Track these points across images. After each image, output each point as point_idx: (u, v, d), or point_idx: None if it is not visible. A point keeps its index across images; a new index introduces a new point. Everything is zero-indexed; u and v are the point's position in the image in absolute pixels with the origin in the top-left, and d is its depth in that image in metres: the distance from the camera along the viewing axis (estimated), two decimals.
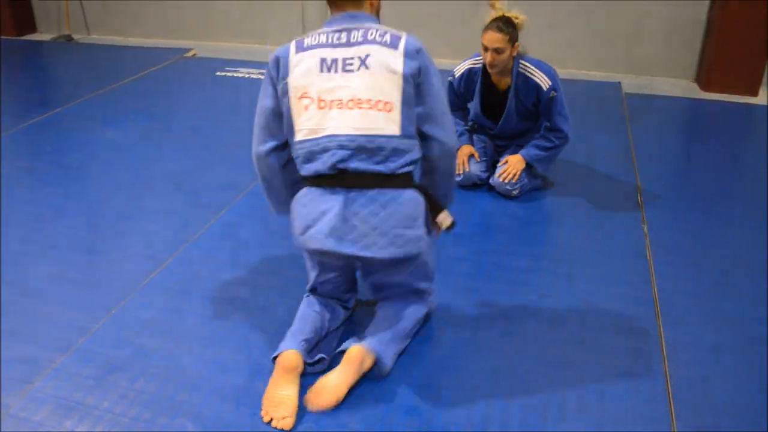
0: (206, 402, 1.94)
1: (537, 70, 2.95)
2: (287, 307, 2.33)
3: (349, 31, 1.96)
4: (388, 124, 1.90)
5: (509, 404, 1.92)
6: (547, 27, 4.99)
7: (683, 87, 4.70)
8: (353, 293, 2.28)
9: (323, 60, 1.94)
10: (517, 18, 2.93)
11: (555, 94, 2.93)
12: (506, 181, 3.01)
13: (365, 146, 1.89)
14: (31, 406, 1.94)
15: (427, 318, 2.24)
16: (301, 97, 1.94)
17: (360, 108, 1.90)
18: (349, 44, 1.94)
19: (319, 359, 2.03)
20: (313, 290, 2.22)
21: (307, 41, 1.98)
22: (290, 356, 1.94)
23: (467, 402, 1.93)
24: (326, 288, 2.19)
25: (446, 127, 2.02)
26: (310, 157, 1.94)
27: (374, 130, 1.90)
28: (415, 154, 1.98)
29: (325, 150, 1.91)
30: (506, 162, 3.07)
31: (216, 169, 3.44)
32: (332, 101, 1.92)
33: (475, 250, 2.70)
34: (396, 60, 1.91)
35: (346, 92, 1.91)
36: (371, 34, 1.94)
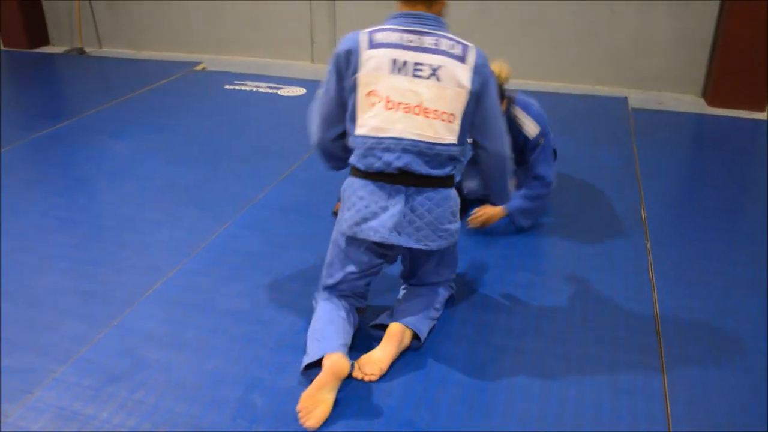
0: (204, 413, 1.95)
1: (527, 118, 2.85)
2: (288, 321, 2.35)
3: (421, 34, 2.04)
4: (448, 133, 2.06)
5: (507, 420, 1.91)
6: (552, 42, 5.02)
7: (690, 102, 4.70)
8: (365, 299, 2.33)
9: (395, 61, 2.03)
10: (500, 74, 2.65)
11: (542, 140, 2.86)
12: (471, 228, 2.88)
13: (425, 152, 2.04)
14: (30, 416, 1.95)
15: (450, 300, 2.41)
16: (370, 94, 2.04)
17: (426, 117, 2.03)
18: (420, 49, 2.03)
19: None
20: (329, 288, 2.24)
21: (379, 37, 2.05)
22: (341, 361, 1.96)
23: (465, 417, 1.93)
24: (343, 287, 2.23)
25: (495, 138, 2.18)
26: (370, 154, 2.06)
27: (436, 138, 2.04)
28: (464, 158, 2.19)
29: (388, 150, 2.03)
30: (481, 211, 2.89)
31: (221, 182, 3.46)
32: (400, 103, 2.02)
33: (476, 263, 2.70)
34: (465, 75, 2.04)
35: (415, 98, 2.02)
36: (443, 45, 2.05)
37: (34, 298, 2.53)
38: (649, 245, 2.82)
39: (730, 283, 2.56)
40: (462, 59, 2.04)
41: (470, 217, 2.88)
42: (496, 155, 2.21)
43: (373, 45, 2.04)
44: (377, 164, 2.04)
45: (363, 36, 2.05)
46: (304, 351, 2.11)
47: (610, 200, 3.21)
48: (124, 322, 2.38)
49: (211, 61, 5.83)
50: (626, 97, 4.72)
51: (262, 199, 3.26)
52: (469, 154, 2.95)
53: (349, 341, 2.13)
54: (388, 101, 2.02)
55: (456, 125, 2.06)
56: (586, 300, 2.46)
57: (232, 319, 2.38)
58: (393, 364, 2.12)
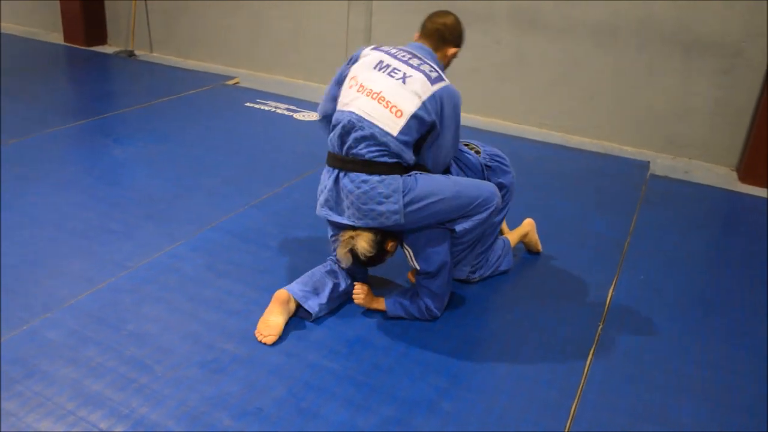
0: None
1: None
2: (187, 352, 2.29)
3: (414, 56, 2.44)
4: (394, 125, 2.32)
5: None
6: (584, 96, 4.80)
7: (720, 175, 4.35)
8: (363, 271, 2.68)
9: (381, 61, 2.43)
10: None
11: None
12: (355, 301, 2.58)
13: (363, 129, 2.32)
14: None
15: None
16: (352, 79, 2.44)
17: (379, 102, 2.34)
18: (405, 62, 2.41)
19: (307, 309, 2.48)
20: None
21: (383, 47, 2.50)
22: (282, 292, 2.47)
23: None
24: (332, 252, 2.59)
25: (437, 166, 2.49)
26: (333, 126, 2.43)
27: (377, 121, 2.32)
28: (404, 160, 2.36)
29: (339, 122, 2.38)
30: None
31: (193, 200, 3.46)
32: (365, 89, 2.37)
33: (398, 351, 2.55)
34: (426, 90, 2.34)
35: (378, 87, 2.36)
36: (425, 68, 2.40)
37: None
38: (600, 329, 2.59)
39: (671, 384, 2.30)
40: (432, 81, 2.36)
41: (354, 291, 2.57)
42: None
43: (374, 48, 2.50)
44: (331, 139, 2.42)
45: (371, 46, 2.53)
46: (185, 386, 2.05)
47: (580, 273, 2.98)
48: (33, 329, 2.38)
49: (248, 77, 5.92)
50: (648, 162, 4.43)
51: (223, 222, 3.23)
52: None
53: (311, 286, 2.53)
54: (361, 86, 2.39)
55: (401, 122, 2.31)
56: (505, 382, 2.27)
57: (136, 342, 2.34)
58: None
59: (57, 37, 6.84)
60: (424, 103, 2.31)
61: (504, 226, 3.00)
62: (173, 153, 4.09)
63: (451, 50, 2.58)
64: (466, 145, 2.80)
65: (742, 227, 3.61)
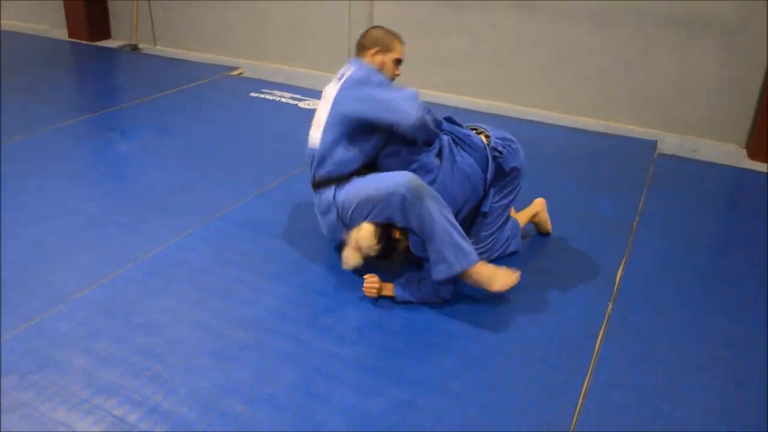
0: (76, 421, 1.93)
1: None
2: (196, 341, 2.31)
3: (342, 72, 2.67)
4: (316, 135, 2.63)
5: None
6: (586, 76, 4.76)
7: (729, 153, 4.32)
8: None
9: (323, 92, 2.73)
10: None
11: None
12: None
13: (312, 154, 2.65)
14: None
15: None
16: None
17: (317, 127, 2.66)
18: (335, 81, 2.67)
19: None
20: None
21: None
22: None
23: None
24: None
25: (393, 110, 2.51)
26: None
27: (312, 141, 2.66)
28: (340, 166, 2.59)
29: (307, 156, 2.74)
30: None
31: (199, 191, 3.47)
32: (313, 122, 2.71)
33: (407, 334, 2.55)
34: (334, 89, 2.61)
35: (316, 115, 2.69)
36: (343, 73, 2.65)
37: None
38: (610, 309, 2.58)
39: (681, 362, 2.30)
40: (340, 78, 2.63)
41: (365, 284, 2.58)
42: (404, 124, 2.50)
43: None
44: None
45: None
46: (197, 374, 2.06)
47: (589, 254, 2.97)
48: (44, 321, 2.40)
49: (251, 67, 5.91)
50: (656, 141, 4.40)
51: (230, 212, 3.24)
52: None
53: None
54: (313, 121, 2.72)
55: (321, 127, 2.60)
56: (512, 362, 2.28)
57: (146, 332, 2.36)
58: None
59: (62, 34, 6.85)
60: (335, 100, 2.57)
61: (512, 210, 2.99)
62: (179, 145, 4.10)
63: (371, 51, 2.70)
64: (474, 129, 2.79)
65: (752, 204, 3.59)
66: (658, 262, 2.94)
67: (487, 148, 2.69)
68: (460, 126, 2.79)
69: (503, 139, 2.76)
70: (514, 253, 2.90)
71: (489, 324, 2.47)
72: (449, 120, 2.79)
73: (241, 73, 5.73)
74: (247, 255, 2.87)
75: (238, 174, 3.67)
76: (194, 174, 3.67)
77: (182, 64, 5.97)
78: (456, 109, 4.86)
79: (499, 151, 2.70)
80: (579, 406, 2.08)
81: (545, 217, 3.08)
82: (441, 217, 2.42)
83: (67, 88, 5.39)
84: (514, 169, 2.73)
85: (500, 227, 2.79)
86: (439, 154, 2.63)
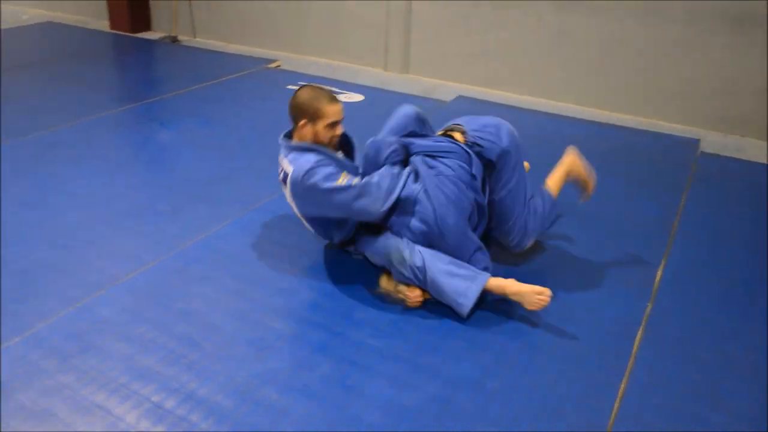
0: (113, 408, 1.97)
1: None
2: (233, 329, 2.34)
3: (282, 166, 2.65)
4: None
5: None
6: (629, 73, 4.68)
7: None
8: None
9: None
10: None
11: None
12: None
13: None
14: None
15: None
16: None
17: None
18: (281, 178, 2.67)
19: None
20: None
21: None
22: None
23: None
24: None
25: (355, 212, 2.51)
26: None
27: None
28: (318, 228, 2.73)
29: None
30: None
31: (238, 181, 3.51)
32: None
33: (443, 330, 2.54)
34: (283, 188, 2.63)
35: None
36: (283, 170, 2.62)
37: (14, 266, 2.68)
38: (649, 309, 2.54)
39: (721, 366, 2.25)
40: (283, 178, 2.60)
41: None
42: (375, 218, 2.54)
43: None
44: None
45: None
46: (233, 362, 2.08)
47: (628, 252, 2.92)
48: (86, 306, 2.45)
49: (289, 59, 5.95)
50: (698, 140, 4.30)
51: (268, 202, 3.26)
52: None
53: None
54: None
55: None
56: (546, 357, 2.26)
57: (185, 320, 2.39)
58: None
59: (104, 25, 6.98)
60: (292, 203, 2.62)
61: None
62: (218, 135, 4.14)
63: (300, 124, 2.60)
64: (450, 130, 2.70)
65: None
66: (699, 263, 2.88)
67: (462, 146, 2.60)
68: (427, 135, 2.71)
69: (481, 128, 2.65)
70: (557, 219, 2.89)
71: (526, 322, 2.44)
72: (413, 134, 2.68)
73: (279, 66, 5.76)
74: (285, 246, 2.89)
75: (276, 165, 3.68)
76: (233, 164, 3.70)
77: (221, 56, 6.03)
78: (495, 104, 4.82)
79: (479, 144, 2.60)
80: (616, 407, 2.05)
81: (580, 171, 2.90)
82: (432, 268, 2.42)
83: (109, 79, 5.49)
84: (503, 153, 2.61)
85: (523, 208, 2.67)
86: (417, 177, 2.55)
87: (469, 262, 2.50)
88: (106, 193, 3.35)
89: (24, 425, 1.92)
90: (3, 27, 6.76)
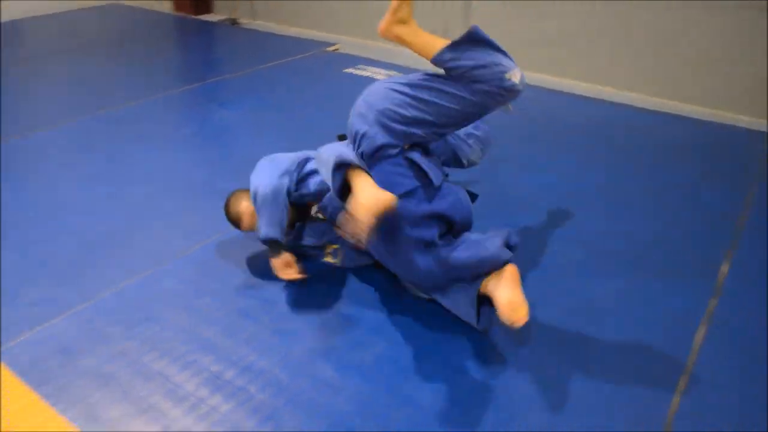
0: (176, 372, 2.03)
1: None
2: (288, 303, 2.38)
3: None
4: None
5: None
6: (694, 62, 4.52)
7: None
8: None
9: None
10: None
11: None
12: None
13: None
14: (31, 347, 2.16)
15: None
16: None
17: None
18: None
19: None
20: None
21: None
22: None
23: None
24: None
25: None
26: None
27: None
28: None
29: None
30: None
31: None
32: None
33: None
34: None
35: None
36: None
37: (83, 237, 2.78)
38: (713, 305, 2.46)
39: None
40: None
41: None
42: None
43: None
44: None
45: None
46: (290, 337, 2.12)
47: (692, 246, 2.84)
48: (151, 277, 2.53)
49: (347, 43, 5.96)
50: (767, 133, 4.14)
51: None
52: None
53: None
54: None
55: None
56: (604, 348, 2.22)
57: (244, 294, 2.45)
58: None
59: (167, 7, 7.12)
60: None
61: None
62: (275, 117, 4.19)
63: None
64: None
65: None
66: (766, 259, 2.78)
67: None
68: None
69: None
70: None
71: (583, 311, 2.41)
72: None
73: (337, 49, 5.79)
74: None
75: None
76: (290, 145, 3.69)
77: (280, 39, 6.09)
78: (554, 92, 4.74)
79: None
80: (675, 403, 2.01)
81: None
82: None
83: (172, 60, 5.61)
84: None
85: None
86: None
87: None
88: (169, 169, 3.43)
89: (87, 387, 2.00)
90: (69, 8, 6.98)
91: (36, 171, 3.42)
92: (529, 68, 5.17)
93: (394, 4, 2.22)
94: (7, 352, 2.12)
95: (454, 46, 2.08)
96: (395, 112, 2.16)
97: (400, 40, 2.24)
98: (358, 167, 2.13)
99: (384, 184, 2.11)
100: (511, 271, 2.16)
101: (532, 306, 2.17)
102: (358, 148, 2.23)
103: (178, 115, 4.27)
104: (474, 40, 2.07)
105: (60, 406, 1.93)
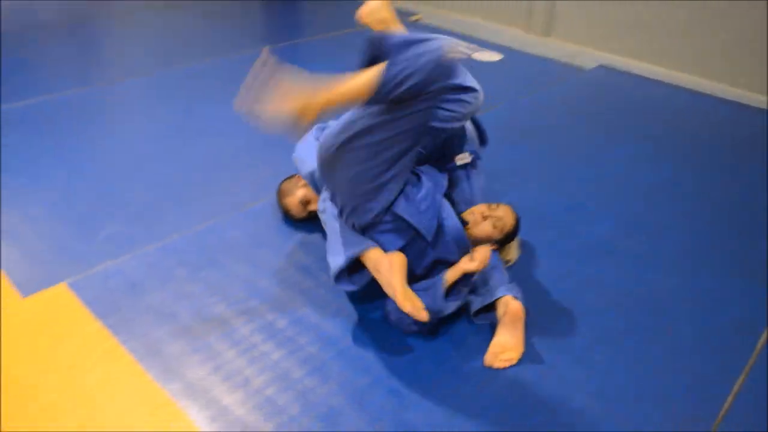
0: (233, 313, 2.12)
1: None
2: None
3: None
4: None
5: None
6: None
7: None
8: None
9: None
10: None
11: None
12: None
13: None
14: (95, 283, 2.29)
15: None
16: None
17: None
18: None
19: None
20: None
21: None
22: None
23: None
24: None
25: None
26: None
27: None
28: None
29: None
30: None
31: None
32: None
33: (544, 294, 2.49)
34: None
35: None
36: None
37: (154, 183, 2.90)
38: None
39: None
40: None
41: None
42: None
43: None
44: None
45: None
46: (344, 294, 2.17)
47: (759, 246, 2.72)
48: (216, 225, 2.63)
49: (430, 14, 5.91)
50: None
51: None
52: None
53: None
54: None
55: None
56: (662, 343, 2.17)
57: (304, 250, 2.52)
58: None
59: None
60: None
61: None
62: None
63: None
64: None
65: None
66: None
67: None
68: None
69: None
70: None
71: (637, 312, 2.35)
72: None
73: (419, 19, 5.75)
74: None
75: None
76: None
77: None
78: (639, 77, 4.58)
79: None
80: (727, 404, 1.94)
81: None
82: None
83: (256, 20, 5.71)
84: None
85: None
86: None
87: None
88: (240, 125, 3.51)
89: (150, 322, 2.11)
90: None
91: (118, 119, 3.59)
92: (609, 50, 5.02)
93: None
94: (78, 283, 2.26)
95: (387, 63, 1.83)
96: (363, 176, 2.00)
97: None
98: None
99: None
100: (512, 312, 2.08)
101: (597, 295, 2.12)
102: (346, 219, 2.15)
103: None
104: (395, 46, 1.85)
105: (122, 337, 2.05)
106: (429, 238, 2.08)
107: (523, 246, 2.57)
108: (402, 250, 2.08)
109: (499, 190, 2.92)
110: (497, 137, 3.54)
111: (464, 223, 2.20)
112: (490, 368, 2.01)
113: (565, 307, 2.30)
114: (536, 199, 2.96)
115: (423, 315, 1.94)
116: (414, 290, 2.02)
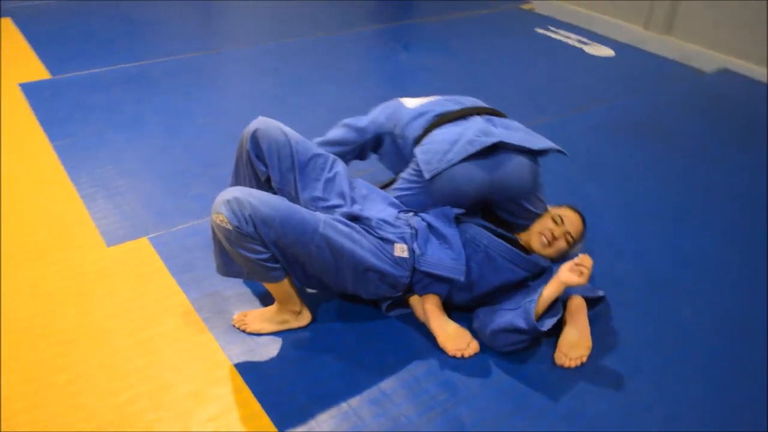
0: None
1: None
2: None
3: None
4: None
5: None
6: None
7: None
8: None
9: None
10: None
11: None
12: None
13: None
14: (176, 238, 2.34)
15: None
16: None
17: None
18: None
19: None
20: None
21: None
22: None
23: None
24: None
25: None
26: None
27: None
28: None
29: None
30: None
31: None
32: None
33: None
34: None
35: None
36: None
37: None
38: None
39: None
40: None
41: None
42: None
43: None
44: None
45: None
46: None
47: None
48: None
49: (544, 4, 5.69)
50: None
51: None
52: None
53: None
54: None
55: None
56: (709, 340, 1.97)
57: None
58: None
59: None
60: None
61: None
62: (454, 66, 4.13)
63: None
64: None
65: None
66: None
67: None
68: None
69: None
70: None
71: (708, 302, 2.15)
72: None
73: (532, 9, 5.54)
74: None
75: (504, 103, 3.59)
76: (462, 92, 3.66)
77: None
78: (765, 85, 4.21)
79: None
80: None
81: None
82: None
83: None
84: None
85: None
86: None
87: None
88: (343, 99, 3.53)
89: (220, 284, 2.14)
90: None
91: (224, 84, 3.68)
92: (733, 52, 4.64)
93: None
94: (159, 238, 2.33)
95: None
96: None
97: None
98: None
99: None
100: (574, 304, 2.03)
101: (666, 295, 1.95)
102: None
103: (363, 50, 4.35)
104: None
105: (192, 294, 2.09)
106: (462, 278, 1.94)
107: (617, 250, 2.41)
108: (449, 292, 2.01)
109: (593, 187, 2.75)
110: (599, 135, 3.36)
111: (512, 237, 2.10)
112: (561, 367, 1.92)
113: (615, 325, 2.13)
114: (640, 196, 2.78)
115: (469, 351, 1.92)
116: (501, 310, 1.93)
